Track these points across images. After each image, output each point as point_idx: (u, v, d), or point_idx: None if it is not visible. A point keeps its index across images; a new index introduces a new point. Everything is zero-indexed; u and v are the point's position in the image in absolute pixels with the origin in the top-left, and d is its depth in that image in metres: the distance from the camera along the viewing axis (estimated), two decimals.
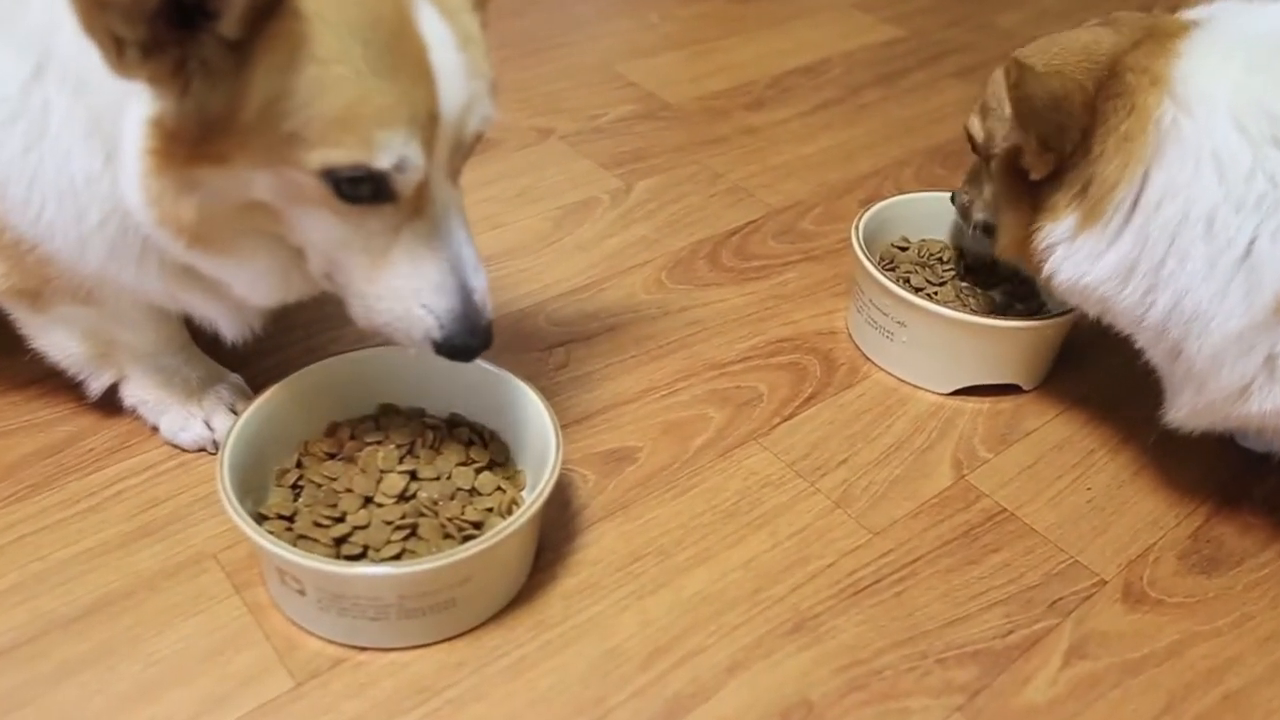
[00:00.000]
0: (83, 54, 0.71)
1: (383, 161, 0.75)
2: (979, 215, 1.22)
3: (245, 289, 0.90)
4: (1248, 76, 0.93)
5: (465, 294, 0.84)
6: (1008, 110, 1.05)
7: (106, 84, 0.72)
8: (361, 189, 0.77)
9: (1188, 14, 1.04)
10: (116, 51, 0.69)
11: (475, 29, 0.83)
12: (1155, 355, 1.06)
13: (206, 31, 0.70)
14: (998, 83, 1.10)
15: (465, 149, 0.85)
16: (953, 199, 1.31)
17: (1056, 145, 1.00)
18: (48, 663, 0.89)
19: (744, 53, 2.07)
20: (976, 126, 1.16)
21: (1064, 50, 1.04)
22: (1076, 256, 1.02)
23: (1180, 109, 0.94)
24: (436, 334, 0.85)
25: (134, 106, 0.74)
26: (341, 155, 0.74)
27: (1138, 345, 1.07)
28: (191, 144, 0.74)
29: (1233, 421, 1.03)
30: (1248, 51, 0.95)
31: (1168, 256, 0.96)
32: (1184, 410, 1.05)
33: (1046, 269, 1.06)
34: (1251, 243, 0.91)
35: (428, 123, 0.77)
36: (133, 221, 0.82)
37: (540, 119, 1.75)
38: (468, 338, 0.85)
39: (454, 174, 0.86)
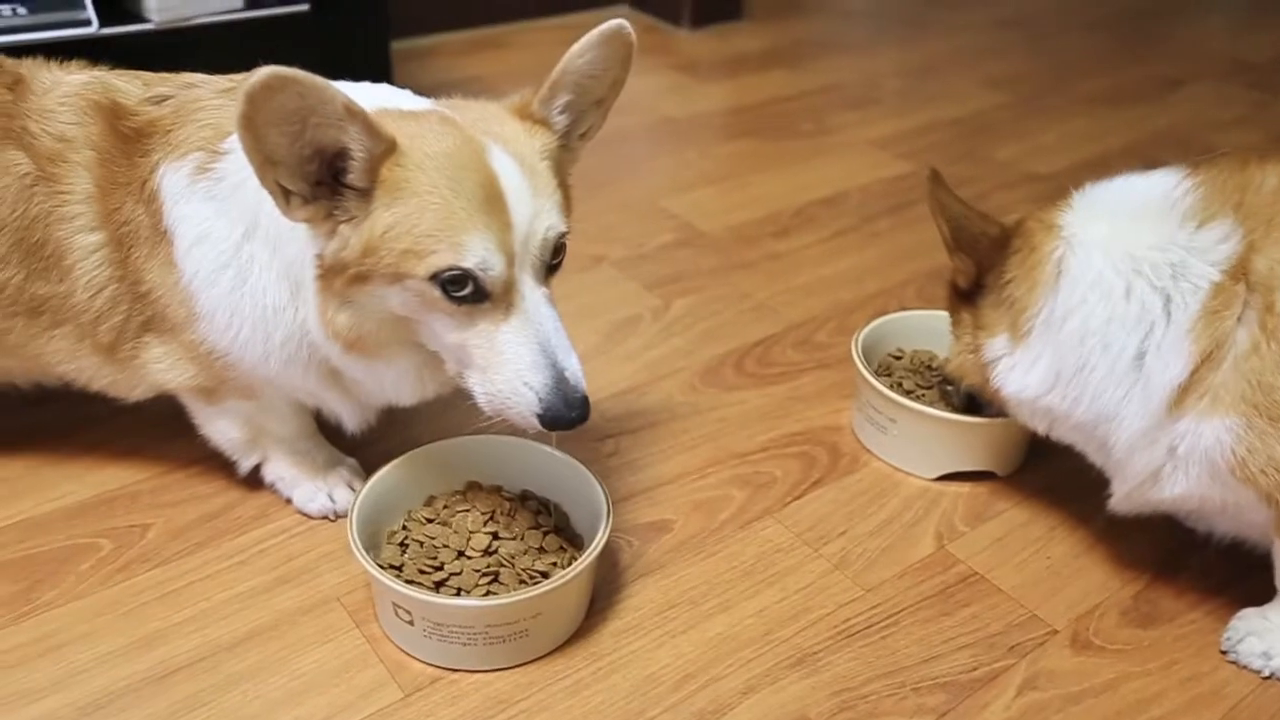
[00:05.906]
0: (279, 222, 1.02)
1: (469, 261, 1.00)
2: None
3: (391, 389, 1.17)
4: (1119, 228, 1.19)
5: (557, 371, 1.03)
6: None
7: (295, 241, 1.03)
8: (463, 289, 1.01)
9: None
10: (285, 199, 0.99)
11: (539, 162, 1.06)
12: (1092, 454, 1.27)
13: (344, 184, 1.00)
14: None
15: (542, 253, 1.05)
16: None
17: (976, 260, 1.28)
18: (218, 675, 1.16)
19: (772, 186, 2.38)
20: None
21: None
22: (1016, 370, 1.25)
23: (1068, 249, 1.21)
24: (538, 407, 1.03)
25: (310, 253, 1.05)
26: (440, 260, 1.00)
27: (1080, 449, 1.28)
28: (341, 270, 1.03)
29: (1152, 506, 1.24)
30: (1118, 209, 1.22)
31: (1082, 364, 1.18)
32: (1117, 496, 1.26)
33: (993, 382, 1.27)
34: (1141, 355, 1.14)
35: (502, 230, 1.01)
36: (307, 339, 1.12)
37: (595, 247, 2.06)
38: (564, 409, 1.02)
39: (539, 275, 1.06)
